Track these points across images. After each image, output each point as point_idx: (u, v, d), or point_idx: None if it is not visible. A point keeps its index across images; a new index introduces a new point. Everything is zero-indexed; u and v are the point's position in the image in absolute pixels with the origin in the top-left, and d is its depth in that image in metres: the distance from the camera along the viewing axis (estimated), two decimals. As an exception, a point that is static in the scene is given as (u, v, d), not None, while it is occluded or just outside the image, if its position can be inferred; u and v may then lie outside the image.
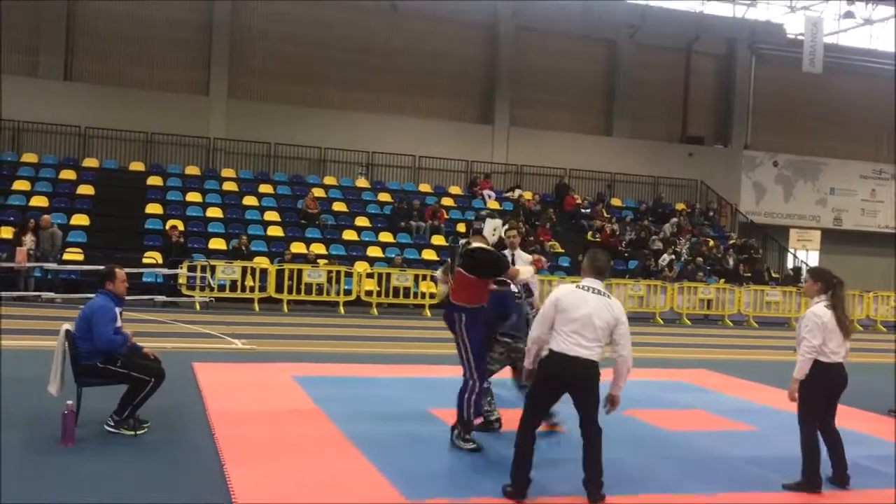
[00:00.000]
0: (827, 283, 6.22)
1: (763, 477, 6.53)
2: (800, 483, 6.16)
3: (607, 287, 5.81)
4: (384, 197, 24.67)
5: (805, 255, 30.30)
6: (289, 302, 18.53)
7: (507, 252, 7.83)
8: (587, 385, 5.47)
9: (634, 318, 20.52)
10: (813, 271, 6.52)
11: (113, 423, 6.79)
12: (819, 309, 6.12)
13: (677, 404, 9.53)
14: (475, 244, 6.79)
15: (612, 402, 5.59)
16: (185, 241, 19.62)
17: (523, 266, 7.10)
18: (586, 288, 5.55)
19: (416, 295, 19.39)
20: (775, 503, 5.99)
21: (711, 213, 28.56)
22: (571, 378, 5.47)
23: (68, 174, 22.21)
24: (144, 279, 18.01)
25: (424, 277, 19.11)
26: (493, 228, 6.91)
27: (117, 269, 7.04)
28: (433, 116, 27.04)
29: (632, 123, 29.20)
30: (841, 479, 6.23)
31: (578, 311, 5.44)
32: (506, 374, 7.88)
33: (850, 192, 31.64)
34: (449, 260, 7.10)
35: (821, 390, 6.16)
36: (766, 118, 30.88)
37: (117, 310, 6.89)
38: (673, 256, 23.76)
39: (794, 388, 6.20)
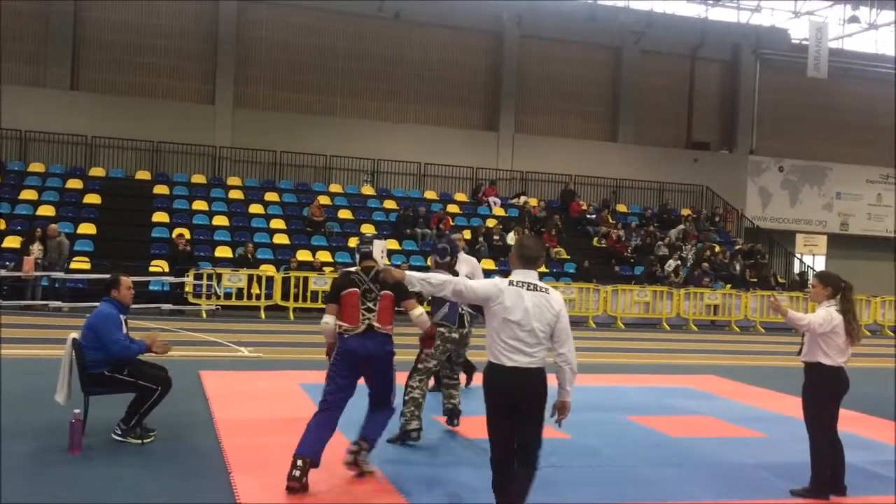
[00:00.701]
0: (836, 287, 6.16)
1: (772, 484, 6.50)
2: (807, 489, 6.12)
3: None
4: (390, 204, 24.70)
5: (811, 260, 30.21)
6: (295, 310, 18.54)
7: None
8: (534, 400, 4.71)
9: (641, 324, 20.67)
10: (821, 276, 6.42)
11: (120, 432, 6.79)
12: (833, 310, 6.08)
13: (685, 410, 9.49)
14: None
15: (563, 408, 4.82)
16: (192, 250, 19.65)
17: (418, 308, 6.35)
18: (520, 284, 4.74)
19: (422, 302, 19.32)
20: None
21: (717, 219, 28.51)
22: (518, 391, 4.70)
23: (75, 183, 22.28)
24: (151, 287, 18.04)
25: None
26: (381, 250, 6.74)
27: (122, 277, 7.05)
28: (438, 124, 27.09)
29: (637, 129, 29.20)
30: (837, 487, 6.14)
31: (517, 313, 4.68)
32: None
33: (856, 197, 31.58)
34: (354, 287, 6.13)
35: (826, 394, 6.12)
36: (772, 123, 30.85)
37: (122, 318, 6.89)
38: (679, 262, 23.72)
39: (784, 310, 6.13)
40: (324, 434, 5.88)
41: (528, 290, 4.72)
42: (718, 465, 7.03)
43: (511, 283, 4.76)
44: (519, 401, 4.71)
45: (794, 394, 10.91)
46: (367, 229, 23.09)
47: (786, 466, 6.94)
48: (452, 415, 7.75)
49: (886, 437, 8.44)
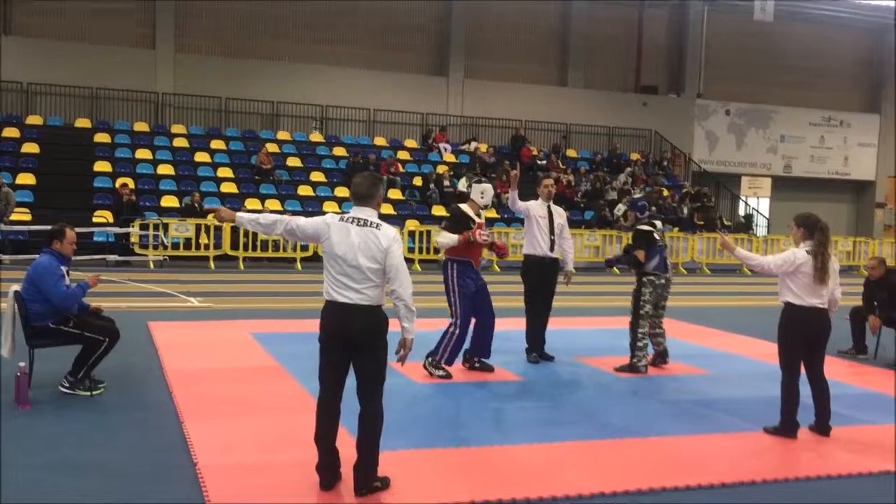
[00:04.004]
0: (809, 228, 6.22)
1: (716, 418, 6.71)
2: (776, 427, 6.28)
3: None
4: (339, 151, 24.42)
5: (756, 202, 30.84)
6: (245, 259, 18.36)
7: (540, 202, 8.77)
8: (367, 338, 4.72)
9: (591, 269, 20.92)
10: (797, 218, 6.40)
11: (68, 385, 6.69)
12: (800, 251, 6.15)
13: (633, 351, 9.68)
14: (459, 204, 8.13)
15: (403, 345, 4.83)
16: (136, 200, 19.25)
17: (446, 235, 7.81)
18: (350, 220, 4.77)
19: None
20: (732, 444, 6.14)
21: (665, 163, 28.83)
22: (347, 329, 4.69)
23: (11, 132, 21.55)
24: (95, 238, 17.67)
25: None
26: (480, 192, 8.03)
27: (68, 230, 6.83)
28: (387, 69, 26.70)
29: (586, 74, 29.19)
30: (822, 429, 6.29)
31: (342, 247, 4.69)
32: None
33: (799, 140, 32.16)
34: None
35: (796, 334, 6.18)
36: (719, 67, 31.07)
37: (63, 269, 6.73)
38: (628, 206, 23.96)
39: (731, 246, 6.45)
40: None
41: (357, 225, 4.73)
42: (667, 402, 7.21)
43: (342, 218, 4.80)
44: (351, 337, 4.70)
45: (735, 332, 11.23)
46: (317, 177, 22.88)
47: (729, 401, 7.19)
48: (662, 357, 8.67)
49: (831, 373, 8.72)
